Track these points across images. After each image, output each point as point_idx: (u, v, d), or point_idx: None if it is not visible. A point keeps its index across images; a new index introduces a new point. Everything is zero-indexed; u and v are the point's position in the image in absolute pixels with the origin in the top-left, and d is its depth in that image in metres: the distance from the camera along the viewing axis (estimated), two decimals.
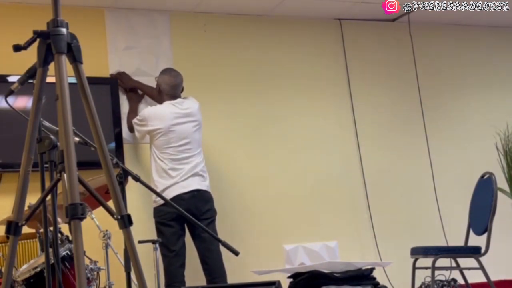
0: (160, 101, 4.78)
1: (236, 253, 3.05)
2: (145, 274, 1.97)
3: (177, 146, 4.57)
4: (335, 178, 5.79)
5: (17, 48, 1.99)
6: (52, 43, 1.87)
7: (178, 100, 4.71)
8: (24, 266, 3.45)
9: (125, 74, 5.16)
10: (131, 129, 5.00)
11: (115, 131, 5.05)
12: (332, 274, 4.32)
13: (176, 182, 4.52)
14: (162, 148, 4.59)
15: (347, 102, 5.95)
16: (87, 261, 3.49)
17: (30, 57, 2.00)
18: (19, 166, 1.93)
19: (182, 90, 4.82)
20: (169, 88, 4.74)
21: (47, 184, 2.33)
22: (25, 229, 2.08)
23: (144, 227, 4.83)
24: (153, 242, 3.88)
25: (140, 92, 5.18)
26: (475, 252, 4.62)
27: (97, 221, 3.82)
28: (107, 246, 3.68)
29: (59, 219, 3.24)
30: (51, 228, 2.47)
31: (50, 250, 2.47)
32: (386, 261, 5.30)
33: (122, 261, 3.25)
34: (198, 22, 5.54)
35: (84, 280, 1.72)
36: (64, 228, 2.99)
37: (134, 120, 4.82)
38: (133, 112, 5.04)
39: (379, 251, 5.75)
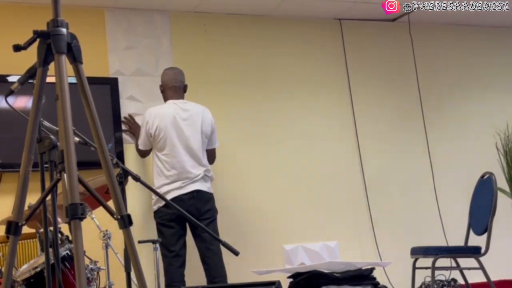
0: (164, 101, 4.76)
1: (236, 253, 3.05)
2: (145, 274, 1.98)
3: (178, 148, 4.54)
4: (335, 178, 5.79)
5: (17, 48, 1.98)
6: (52, 43, 1.87)
7: (181, 100, 4.70)
8: (24, 266, 3.44)
9: (135, 120, 5.11)
10: (139, 151, 4.82)
11: (115, 131, 5.05)
12: (332, 274, 4.32)
13: (176, 186, 4.50)
14: (162, 150, 4.56)
15: (347, 102, 5.95)
16: (87, 261, 3.49)
17: (30, 57, 2.00)
18: (19, 166, 1.92)
19: (185, 90, 4.79)
20: (170, 79, 4.70)
21: (47, 184, 2.33)
22: (25, 229, 2.08)
23: (144, 227, 4.85)
24: (153, 242, 3.88)
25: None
26: (475, 252, 4.62)
27: (97, 221, 3.82)
28: (107, 246, 3.68)
29: (59, 219, 3.25)
30: (51, 228, 2.47)
31: (50, 250, 2.46)
32: (386, 261, 5.29)
33: (122, 261, 3.25)
34: (198, 22, 5.54)
35: (84, 280, 1.72)
36: (64, 228, 2.99)
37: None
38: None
39: (379, 251, 5.74)
